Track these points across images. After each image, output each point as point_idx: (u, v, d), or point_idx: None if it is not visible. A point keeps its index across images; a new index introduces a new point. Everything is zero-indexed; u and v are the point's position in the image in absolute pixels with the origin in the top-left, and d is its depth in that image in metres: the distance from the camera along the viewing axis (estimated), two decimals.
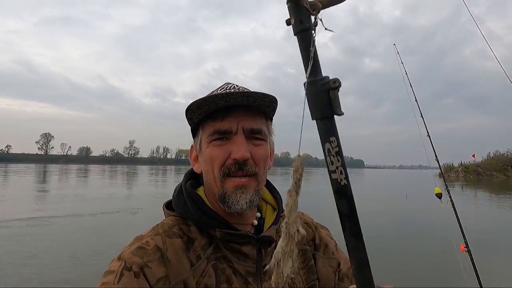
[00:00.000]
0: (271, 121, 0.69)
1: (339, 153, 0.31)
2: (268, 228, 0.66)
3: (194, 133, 0.69)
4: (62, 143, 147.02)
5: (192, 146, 0.71)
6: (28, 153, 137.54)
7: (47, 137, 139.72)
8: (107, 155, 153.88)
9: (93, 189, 18.95)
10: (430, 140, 2.61)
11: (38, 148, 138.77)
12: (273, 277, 0.33)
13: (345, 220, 0.31)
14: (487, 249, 6.41)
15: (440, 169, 2.73)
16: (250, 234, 0.62)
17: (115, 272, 0.53)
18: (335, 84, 0.31)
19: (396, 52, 3.00)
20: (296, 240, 0.32)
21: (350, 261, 0.31)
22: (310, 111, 0.32)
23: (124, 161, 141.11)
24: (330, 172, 0.31)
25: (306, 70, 0.32)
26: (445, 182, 2.56)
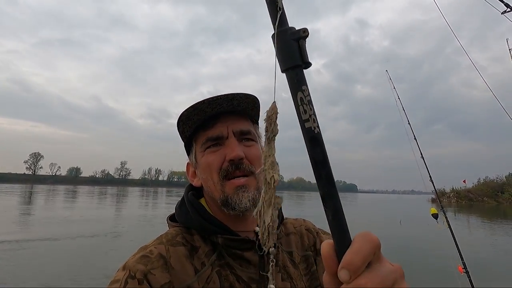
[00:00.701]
0: (258, 125, 0.72)
1: (311, 102, 0.31)
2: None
3: (188, 149, 0.71)
4: (52, 163, 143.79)
5: (188, 163, 0.73)
6: (15, 173, 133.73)
7: (36, 157, 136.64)
8: (97, 176, 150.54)
9: (76, 211, 18.28)
10: (424, 162, 2.66)
11: (26, 168, 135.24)
12: (259, 228, 0.34)
13: (319, 168, 0.31)
14: (485, 273, 6.33)
15: (435, 190, 2.75)
16: (252, 239, 0.63)
17: (120, 281, 0.54)
18: (305, 34, 0.32)
19: (389, 78, 3.13)
20: (272, 186, 0.33)
21: (325, 210, 0.31)
22: (280, 62, 0.32)
23: (114, 182, 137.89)
24: (303, 121, 0.31)
25: (274, 23, 0.32)
26: (440, 204, 2.57)
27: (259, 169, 0.74)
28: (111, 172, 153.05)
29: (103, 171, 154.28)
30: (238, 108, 0.65)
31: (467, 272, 2.01)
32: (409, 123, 2.79)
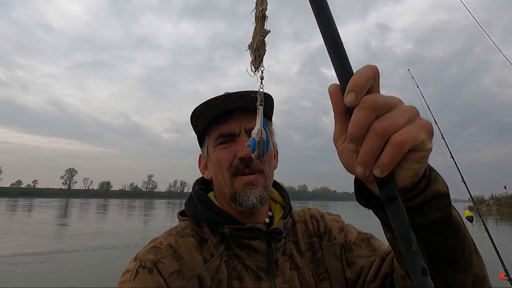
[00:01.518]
0: (271, 121, 0.73)
1: None
2: (277, 222, 0.68)
3: (201, 142, 0.73)
4: (85, 178, 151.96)
5: (200, 155, 0.75)
6: (53, 188, 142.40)
7: (71, 172, 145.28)
8: (126, 189, 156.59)
9: (108, 223, 19.03)
10: (455, 162, 2.49)
11: (62, 183, 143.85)
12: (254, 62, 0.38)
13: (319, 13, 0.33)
14: None
15: (470, 194, 2.49)
16: (258, 227, 0.63)
17: (131, 271, 0.56)
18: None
19: (411, 77, 3.01)
20: (265, 21, 0.41)
21: (328, 51, 0.32)
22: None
23: (142, 195, 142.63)
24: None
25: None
26: (476, 209, 2.38)
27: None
28: (139, 185, 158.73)
29: (131, 185, 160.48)
30: (251, 105, 0.65)
31: (510, 280, 1.85)
32: (435, 122, 2.66)
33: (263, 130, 0.47)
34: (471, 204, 2.69)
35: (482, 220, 2.10)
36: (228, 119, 0.66)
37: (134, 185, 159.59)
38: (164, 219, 23.49)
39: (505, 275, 1.87)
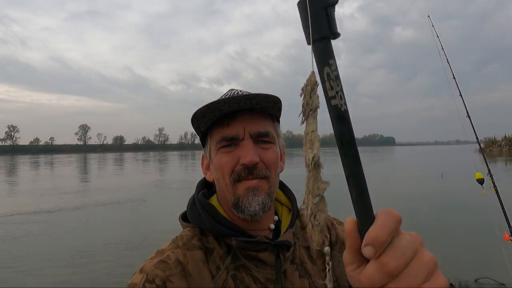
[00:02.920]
0: (278, 123, 0.69)
1: (338, 77, 0.29)
2: (285, 232, 0.65)
3: (203, 142, 0.70)
4: (98, 133, 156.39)
5: (202, 155, 0.72)
6: (70, 144, 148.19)
7: (84, 128, 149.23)
8: (139, 142, 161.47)
9: (129, 177, 20.09)
10: (471, 121, 2.39)
11: (78, 138, 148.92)
12: (315, 237, 0.31)
13: (346, 148, 0.30)
14: None
15: (477, 137, 2.44)
16: (266, 241, 0.61)
17: (137, 284, 0.54)
18: (333, 0, 0.29)
19: (431, 25, 2.71)
20: (311, 168, 0.30)
21: (349, 189, 0.30)
22: (306, 34, 0.30)
23: (155, 148, 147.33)
24: (329, 98, 0.29)
25: None
26: (485, 160, 2.33)
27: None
28: (151, 139, 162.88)
29: (144, 138, 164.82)
30: (257, 106, 0.62)
31: None
32: (454, 78, 2.47)
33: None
34: (478, 146, 2.63)
35: (493, 182, 2.07)
36: (231, 121, 0.62)
37: (147, 139, 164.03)
38: (179, 171, 24.52)
39: (510, 236, 1.91)
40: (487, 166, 2.23)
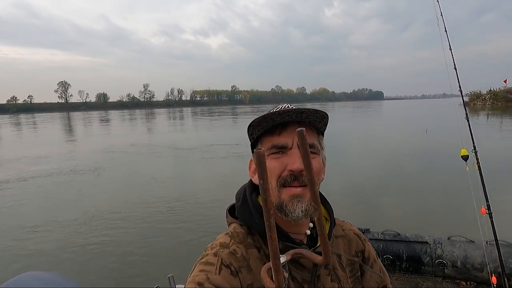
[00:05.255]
0: (323, 136, 0.75)
1: None
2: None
3: (253, 148, 0.76)
4: (80, 91, 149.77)
5: (251, 160, 0.79)
6: (51, 102, 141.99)
7: (64, 85, 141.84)
8: (124, 100, 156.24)
9: (126, 136, 19.81)
10: (457, 74, 2.47)
11: (58, 96, 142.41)
12: None
13: None
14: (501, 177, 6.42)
15: (463, 101, 2.59)
16: (308, 249, 0.68)
17: (214, 264, 0.61)
18: None
19: None
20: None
21: None
22: None
23: (141, 105, 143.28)
24: None
25: None
26: (466, 116, 2.41)
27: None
28: (136, 96, 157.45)
29: (128, 95, 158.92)
30: (306, 120, 0.68)
31: (489, 214, 2.03)
32: (445, 31, 2.47)
33: None
34: (467, 100, 2.74)
35: (477, 159, 2.15)
36: (282, 131, 0.68)
37: (132, 96, 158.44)
38: (169, 128, 24.29)
39: (486, 209, 2.05)
40: (473, 143, 2.30)
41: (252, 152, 0.75)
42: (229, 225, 0.75)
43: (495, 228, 2.00)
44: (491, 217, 2.03)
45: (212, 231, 4.84)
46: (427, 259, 3.29)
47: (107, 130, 25.87)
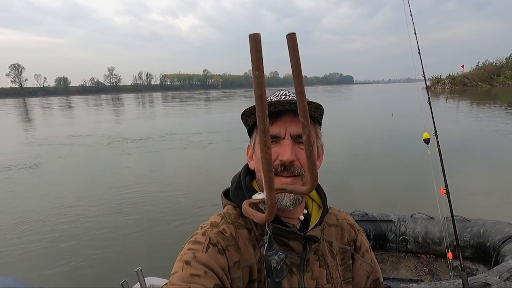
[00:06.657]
0: (320, 125, 0.75)
1: None
2: (314, 227, 0.73)
3: (250, 133, 0.77)
4: (36, 74, 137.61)
5: (248, 145, 0.80)
6: (2, 87, 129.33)
7: (17, 68, 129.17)
8: (87, 84, 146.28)
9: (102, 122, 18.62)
10: (420, 59, 2.60)
11: (11, 81, 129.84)
12: None
13: None
14: (459, 158, 7.00)
15: (426, 85, 2.73)
16: (298, 233, 0.70)
17: (202, 243, 0.63)
18: None
19: None
20: None
21: None
22: None
23: (107, 90, 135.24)
24: None
25: None
26: (429, 100, 2.54)
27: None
28: (101, 80, 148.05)
29: (92, 79, 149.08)
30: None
31: (447, 194, 2.18)
32: (411, 14, 2.59)
33: None
34: (428, 84, 2.94)
35: (437, 142, 2.27)
36: (275, 121, 0.68)
37: (96, 80, 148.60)
38: (142, 112, 23.25)
39: (444, 190, 2.20)
40: (434, 126, 2.43)
41: (249, 137, 0.77)
42: (223, 207, 0.76)
43: (452, 206, 2.15)
44: (448, 197, 2.18)
45: (179, 221, 4.77)
46: (392, 236, 3.51)
47: (69, 118, 24.20)
